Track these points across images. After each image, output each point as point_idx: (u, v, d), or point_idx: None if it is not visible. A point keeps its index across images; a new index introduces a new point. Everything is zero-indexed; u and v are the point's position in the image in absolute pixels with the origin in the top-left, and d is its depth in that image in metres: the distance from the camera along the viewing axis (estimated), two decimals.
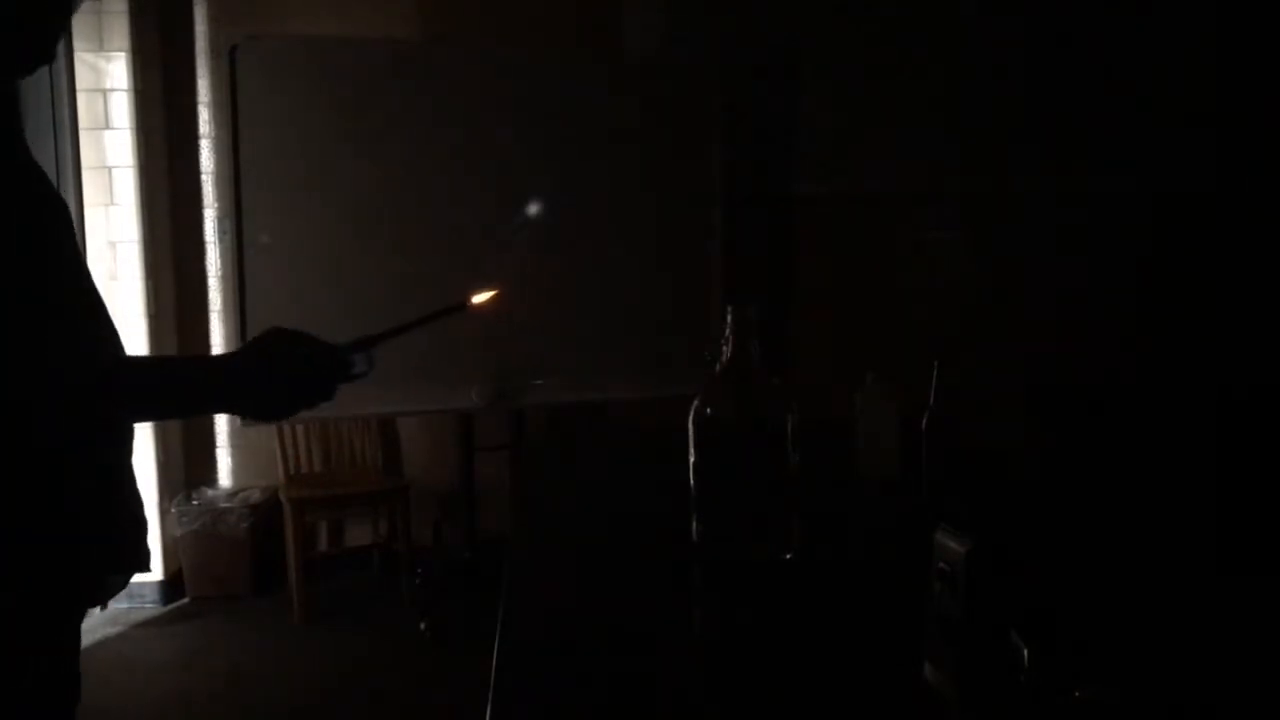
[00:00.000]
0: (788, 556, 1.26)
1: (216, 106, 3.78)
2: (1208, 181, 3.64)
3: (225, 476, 4.02)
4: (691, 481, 1.28)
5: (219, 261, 3.85)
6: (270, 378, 1.16)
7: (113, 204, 3.59)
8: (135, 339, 3.64)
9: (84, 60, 3.53)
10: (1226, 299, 3.63)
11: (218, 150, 3.78)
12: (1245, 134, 3.63)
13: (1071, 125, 3.70)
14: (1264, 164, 3.57)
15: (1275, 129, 3.57)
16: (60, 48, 1.20)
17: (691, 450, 1.27)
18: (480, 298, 1.31)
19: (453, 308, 1.27)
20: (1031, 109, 3.70)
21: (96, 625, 3.49)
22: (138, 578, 3.97)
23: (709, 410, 1.26)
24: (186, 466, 3.94)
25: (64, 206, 1.20)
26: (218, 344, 3.93)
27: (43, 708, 1.16)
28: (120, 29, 3.55)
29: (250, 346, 1.19)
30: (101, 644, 3.38)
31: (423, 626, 3.42)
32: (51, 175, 3.46)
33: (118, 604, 3.67)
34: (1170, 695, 0.89)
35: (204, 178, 3.87)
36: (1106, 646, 0.88)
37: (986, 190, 3.71)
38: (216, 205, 3.85)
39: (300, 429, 3.83)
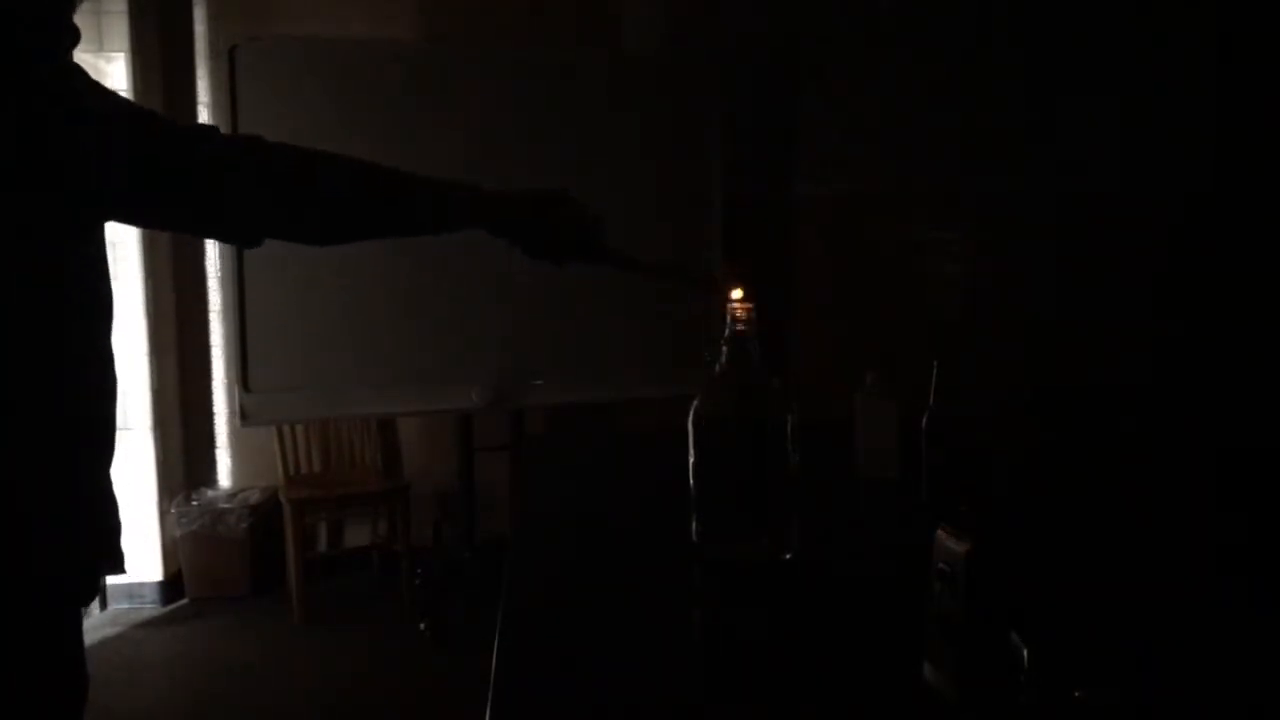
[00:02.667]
0: (788, 556, 1.26)
1: (216, 106, 3.77)
2: (1205, 182, 3.64)
3: (225, 477, 4.02)
4: (691, 481, 1.28)
5: (219, 261, 3.85)
6: (520, 204, 1.39)
7: None
8: (135, 339, 3.64)
9: (84, 60, 3.51)
10: (1226, 300, 3.63)
11: None
12: (1244, 134, 3.62)
13: (1071, 125, 3.69)
14: (1263, 164, 3.57)
15: (1274, 129, 3.57)
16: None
17: (691, 450, 1.27)
18: (737, 293, 1.28)
19: (702, 281, 1.34)
20: (1031, 108, 3.70)
21: (97, 625, 3.49)
22: (137, 578, 3.91)
23: (709, 410, 1.26)
24: (186, 467, 3.94)
25: None
26: (218, 344, 3.93)
27: (47, 708, 1.16)
28: (120, 29, 3.55)
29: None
30: (101, 644, 3.38)
31: (423, 626, 3.42)
32: None
33: (117, 604, 3.67)
34: (1170, 695, 0.89)
35: None
36: (1106, 646, 0.88)
37: (987, 190, 3.71)
38: None
39: (300, 429, 3.83)
